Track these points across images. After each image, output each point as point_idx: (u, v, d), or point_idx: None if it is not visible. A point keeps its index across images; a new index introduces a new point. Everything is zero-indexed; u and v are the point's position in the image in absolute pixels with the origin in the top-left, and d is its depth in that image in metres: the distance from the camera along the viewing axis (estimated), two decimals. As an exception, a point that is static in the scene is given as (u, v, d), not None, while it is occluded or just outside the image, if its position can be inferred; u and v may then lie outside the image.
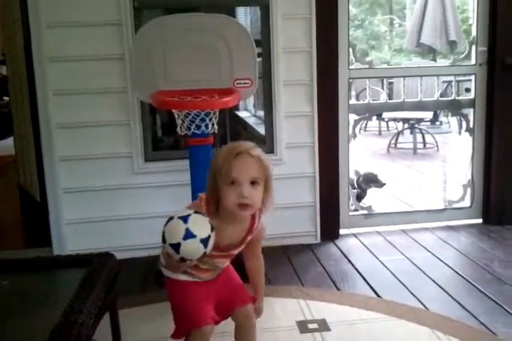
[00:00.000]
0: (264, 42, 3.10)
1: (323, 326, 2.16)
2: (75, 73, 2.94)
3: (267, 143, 3.22)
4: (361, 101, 6.37)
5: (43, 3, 2.86)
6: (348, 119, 3.40)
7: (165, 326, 2.16)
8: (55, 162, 3.00)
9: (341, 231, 3.32)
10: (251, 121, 4.45)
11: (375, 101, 5.27)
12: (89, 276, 1.67)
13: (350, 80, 3.40)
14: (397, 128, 6.87)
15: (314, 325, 2.17)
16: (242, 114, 4.69)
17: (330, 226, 3.27)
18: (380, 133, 7.13)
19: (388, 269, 2.78)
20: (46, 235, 3.02)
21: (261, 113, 4.36)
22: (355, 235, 3.33)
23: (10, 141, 5.13)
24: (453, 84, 5.58)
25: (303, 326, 2.16)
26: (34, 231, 3.24)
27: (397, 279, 2.66)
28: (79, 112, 2.98)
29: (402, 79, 4.36)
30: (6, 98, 7.19)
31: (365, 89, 6.82)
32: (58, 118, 2.97)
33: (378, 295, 2.48)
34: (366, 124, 7.14)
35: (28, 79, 3.08)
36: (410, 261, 2.89)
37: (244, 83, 2.69)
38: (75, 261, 1.82)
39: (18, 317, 1.49)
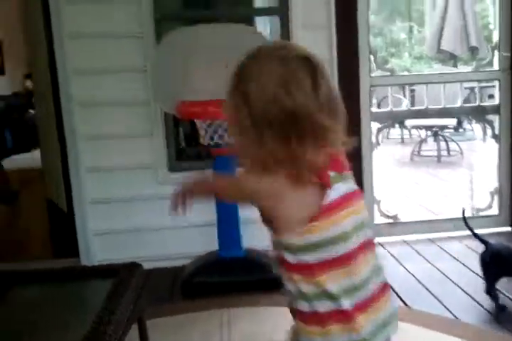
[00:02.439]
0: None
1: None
2: (99, 84, 2.98)
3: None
4: (383, 109, 6.35)
5: (66, 14, 2.90)
6: (370, 127, 3.37)
7: (191, 336, 2.17)
8: (81, 173, 3.03)
9: (367, 240, 3.28)
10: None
11: (397, 109, 5.23)
12: (117, 287, 1.68)
13: (372, 88, 3.38)
14: (420, 136, 6.81)
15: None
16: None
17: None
18: (402, 141, 7.07)
19: (416, 278, 2.74)
20: (74, 246, 3.05)
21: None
22: (380, 244, 3.28)
23: (36, 154, 5.21)
24: (476, 90, 5.52)
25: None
26: (62, 242, 3.27)
27: (426, 288, 2.61)
28: (104, 124, 3.02)
29: (424, 86, 4.35)
30: (31, 111, 7.31)
31: (387, 96, 6.81)
32: (83, 130, 3.01)
33: (406, 305, 2.44)
34: (388, 132, 7.09)
35: (53, 91, 3.12)
36: (438, 270, 2.85)
37: (266, 92, 2.69)
38: (103, 272, 1.83)
39: (47, 328, 1.49)
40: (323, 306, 1.00)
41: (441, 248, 3.17)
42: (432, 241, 3.26)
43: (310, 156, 0.98)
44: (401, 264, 2.96)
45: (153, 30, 2.97)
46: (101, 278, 1.77)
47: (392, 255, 3.11)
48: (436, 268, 2.87)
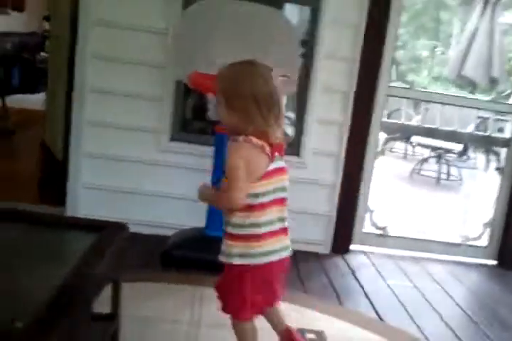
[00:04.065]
0: (308, 44, 3.03)
1: (320, 338, 2.10)
2: (118, 40, 2.90)
3: (293, 144, 3.16)
4: (394, 120, 6.31)
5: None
6: (378, 135, 3.31)
7: (163, 307, 2.14)
8: (83, 125, 2.96)
9: (352, 247, 3.25)
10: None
11: (409, 123, 5.19)
12: (100, 243, 1.62)
13: (388, 97, 3.32)
14: (422, 155, 6.78)
15: (312, 335, 2.10)
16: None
17: (342, 240, 3.19)
18: (405, 157, 7.04)
19: (394, 294, 2.71)
20: (61, 195, 2.98)
21: (290, 114, 4.30)
22: (365, 253, 3.25)
23: (41, 96, 5.12)
24: (490, 120, 5.51)
25: (300, 334, 2.09)
26: (50, 189, 3.19)
27: (402, 305, 2.58)
28: (114, 79, 2.94)
29: (437, 105, 4.32)
30: (43, 54, 7.17)
31: (398, 109, 6.76)
32: (93, 82, 2.93)
33: (380, 318, 2.41)
34: (392, 145, 7.05)
35: (70, 39, 3.03)
36: (418, 290, 2.82)
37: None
38: (89, 225, 1.77)
39: (26, 270, 1.43)
40: (250, 230, 1.64)
41: (425, 268, 3.14)
42: (416, 259, 3.23)
43: (273, 130, 1.62)
44: (382, 277, 2.93)
45: (182, -7, 2.89)
46: (85, 232, 1.71)
47: (374, 266, 3.08)
48: (417, 288, 2.84)
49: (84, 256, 1.51)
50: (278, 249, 1.67)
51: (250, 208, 1.62)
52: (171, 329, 1.99)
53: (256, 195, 1.61)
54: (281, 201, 1.68)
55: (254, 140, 1.58)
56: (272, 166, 1.62)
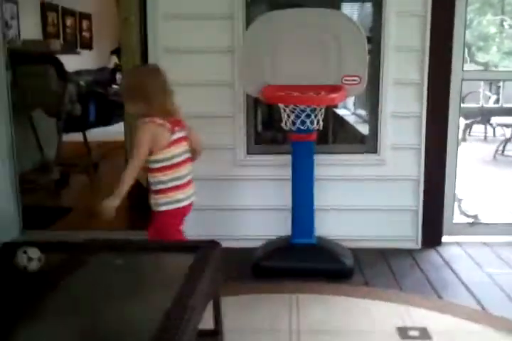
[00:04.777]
0: (373, 40, 3.02)
1: (424, 334, 2.08)
2: (186, 64, 3.01)
3: (368, 142, 3.15)
4: (471, 105, 6.08)
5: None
6: (458, 122, 3.23)
7: (261, 317, 2.19)
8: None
9: (444, 239, 3.18)
10: (350, 119, 4.37)
11: (487, 105, 4.99)
12: (198, 262, 1.70)
13: (462, 82, 3.23)
14: (503, 135, 6.50)
15: (415, 333, 2.09)
16: (340, 111, 4.61)
17: (432, 233, 3.14)
18: (485, 139, 6.77)
19: (495, 282, 2.63)
20: (149, 219, 3.10)
21: (361, 111, 4.26)
22: (458, 244, 3.17)
23: (115, 127, 5.36)
24: None
25: (403, 332, 2.09)
26: (138, 215, 3.34)
27: (505, 294, 2.50)
28: (187, 102, 2.98)
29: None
30: (114, 86, 7.51)
31: (471, 92, 6.52)
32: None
33: (483, 308, 2.35)
34: (471, 129, 6.82)
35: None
36: (520, 275, 2.73)
37: (353, 80, 2.64)
38: (184, 247, 1.86)
39: (130, 297, 1.53)
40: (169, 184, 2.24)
41: (524, 253, 3.03)
42: (513, 245, 3.12)
43: (169, 109, 2.22)
44: (479, 266, 2.85)
45: (244, 12, 2.97)
46: (181, 253, 1.80)
47: (470, 256, 3.00)
48: (518, 274, 2.75)
49: (186, 277, 1.60)
50: (190, 195, 2.29)
51: (169, 168, 2.20)
52: (272, 339, 2.04)
53: (171, 158, 2.20)
54: (189, 160, 2.29)
55: (157, 120, 2.17)
56: (175, 136, 2.21)
